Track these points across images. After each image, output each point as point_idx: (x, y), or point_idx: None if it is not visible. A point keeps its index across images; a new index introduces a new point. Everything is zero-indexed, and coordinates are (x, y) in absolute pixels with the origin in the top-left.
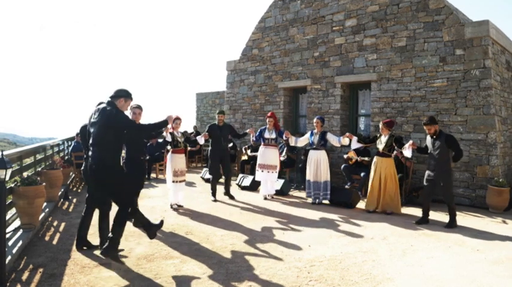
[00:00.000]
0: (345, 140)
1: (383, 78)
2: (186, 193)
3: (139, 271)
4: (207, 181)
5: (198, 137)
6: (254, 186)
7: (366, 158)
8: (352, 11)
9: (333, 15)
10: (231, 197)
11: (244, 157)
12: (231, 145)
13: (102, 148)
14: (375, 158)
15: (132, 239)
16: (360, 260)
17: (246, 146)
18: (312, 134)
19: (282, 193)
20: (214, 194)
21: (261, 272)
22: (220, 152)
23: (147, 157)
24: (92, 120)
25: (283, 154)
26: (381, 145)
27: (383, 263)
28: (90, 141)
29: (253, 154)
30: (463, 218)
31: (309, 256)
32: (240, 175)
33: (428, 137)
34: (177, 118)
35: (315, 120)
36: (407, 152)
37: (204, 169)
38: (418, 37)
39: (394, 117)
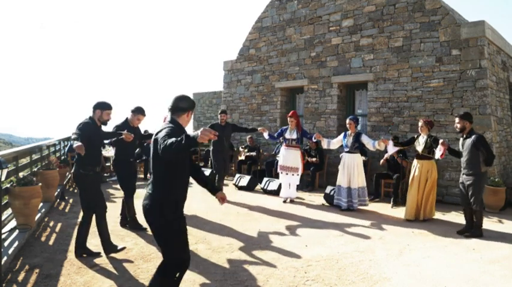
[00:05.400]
0: (381, 145)
1: (379, 78)
2: None
3: (136, 271)
4: None
5: None
6: (251, 186)
7: (363, 158)
8: (348, 11)
9: (330, 15)
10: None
11: (241, 157)
12: None
13: None
14: (415, 161)
15: (129, 240)
16: (357, 260)
17: (243, 146)
18: (345, 136)
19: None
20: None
21: (258, 272)
22: (222, 153)
23: (143, 158)
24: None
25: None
26: (419, 146)
27: (380, 262)
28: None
29: (250, 153)
30: (459, 218)
31: (306, 255)
32: (237, 175)
33: (461, 139)
34: None
35: (347, 121)
36: (438, 153)
37: (202, 169)
38: (414, 37)
39: (390, 117)
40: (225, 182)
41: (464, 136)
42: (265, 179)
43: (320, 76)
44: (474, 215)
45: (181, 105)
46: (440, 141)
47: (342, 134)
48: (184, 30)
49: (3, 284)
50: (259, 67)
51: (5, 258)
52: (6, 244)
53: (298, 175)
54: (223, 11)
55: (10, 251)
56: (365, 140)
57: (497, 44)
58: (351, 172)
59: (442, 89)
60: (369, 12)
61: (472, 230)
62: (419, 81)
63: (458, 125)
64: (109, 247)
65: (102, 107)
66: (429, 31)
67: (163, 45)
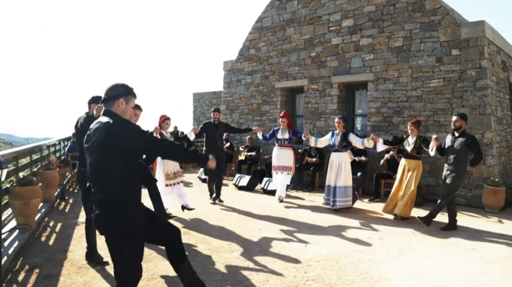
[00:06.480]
0: (370, 143)
1: (379, 78)
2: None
3: None
4: (203, 181)
5: (187, 133)
6: (251, 186)
7: (363, 158)
8: (348, 11)
9: (330, 15)
10: (220, 201)
11: (241, 157)
12: (228, 144)
13: None
14: (403, 160)
15: None
16: (357, 260)
17: (243, 146)
18: (333, 135)
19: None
20: (212, 195)
21: (257, 272)
22: (215, 152)
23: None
24: None
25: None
26: (408, 146)
27: (380, 262)
28: None
29: (250, 153)
30: (459, 218)
31: (306, 255)
32: (237, 175)
33: (449, 136)
34: (167, 118)
35: (336, 119)
36: (432, 152)
37: (201, 169)
38: (414, 37)
39: (390, 117)
40: (225, 182)
41: (457, 135)
42: (265, 179)
43: (320, 76)
44: (448, 210)
45: (110, 94)
46: (434, 136)
47: (330, 133)
48: (184, 30)
49: (3, 284)
50: (259, 67)
51: (5, 258)
52: (6, 244)
53: (290, 173)
54: (223, 11)
55: (10, 251)
56: (353, 139)
57: (497, 44)
58: (337, 170)
59: (442, 89)
60: (369, 12)
61: (426, 215)
62: (419, 81)
63: (457, 123)
64: (93, 255)
65: (98, 102)
66: (429, 31)
67: (164, 45)
